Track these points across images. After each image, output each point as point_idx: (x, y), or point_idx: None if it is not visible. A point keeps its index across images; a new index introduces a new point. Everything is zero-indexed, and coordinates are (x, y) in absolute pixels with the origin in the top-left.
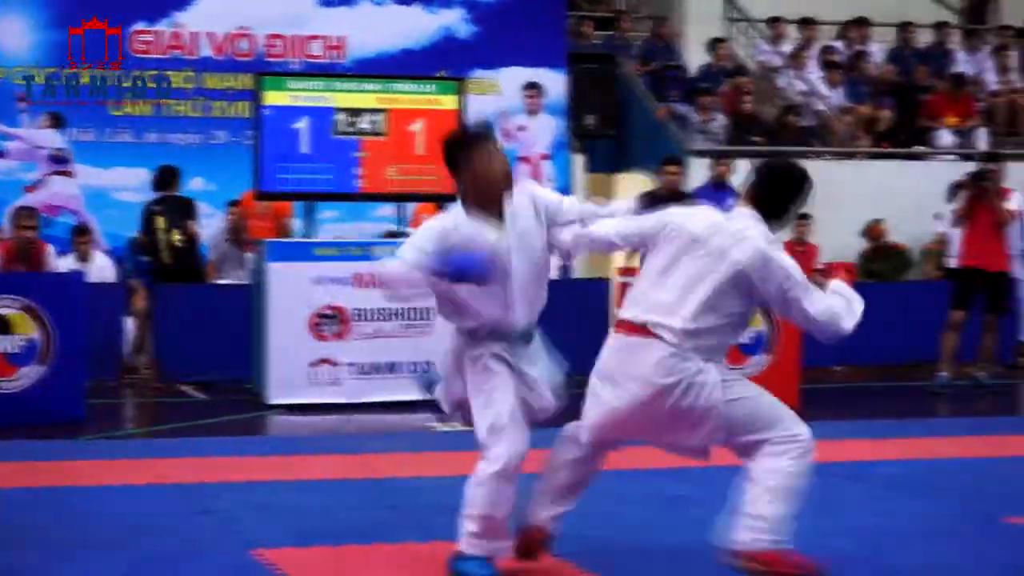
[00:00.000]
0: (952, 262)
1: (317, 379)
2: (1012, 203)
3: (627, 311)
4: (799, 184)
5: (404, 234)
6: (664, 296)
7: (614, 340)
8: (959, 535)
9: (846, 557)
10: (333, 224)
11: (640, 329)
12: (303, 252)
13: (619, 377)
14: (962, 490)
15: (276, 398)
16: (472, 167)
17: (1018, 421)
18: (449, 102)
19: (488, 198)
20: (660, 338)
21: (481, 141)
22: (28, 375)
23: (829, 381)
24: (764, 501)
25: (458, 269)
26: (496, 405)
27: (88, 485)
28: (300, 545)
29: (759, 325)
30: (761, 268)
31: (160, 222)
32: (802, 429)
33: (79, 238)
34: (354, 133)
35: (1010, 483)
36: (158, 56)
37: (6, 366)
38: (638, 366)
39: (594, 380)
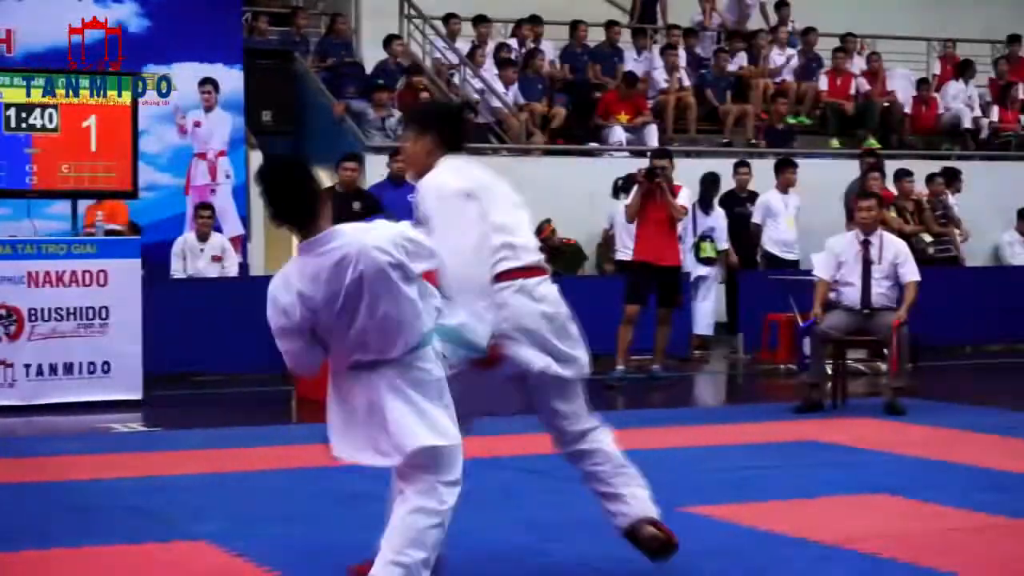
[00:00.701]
0: (618, 256)
1: None
2: (682, 199)
3: None
4: None
5: (117, 232)
6: None
7: None
8: None
9: (519, 550)
10: (5, 222)
11: None
12: None
13: None
14: None
15: None
16: None
17: (692, 412)
18: (122, 97)
19: None
20: None
21: None
22: None
23: None
24: None
25: None
26: None
27: None
28: None
29: None
30: None
31: None
32: None
33: None
34: (26, 129)
35: (685, 473)
36: None
37: None
38: None
39: None
